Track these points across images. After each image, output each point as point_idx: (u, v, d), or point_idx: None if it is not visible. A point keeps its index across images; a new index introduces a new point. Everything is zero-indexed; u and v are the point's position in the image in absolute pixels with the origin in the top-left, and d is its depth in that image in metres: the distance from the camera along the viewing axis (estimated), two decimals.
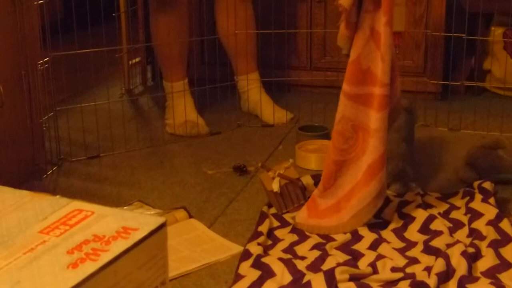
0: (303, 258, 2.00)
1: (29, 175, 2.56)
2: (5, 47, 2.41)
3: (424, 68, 3.37)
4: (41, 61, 2.58)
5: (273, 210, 2.29)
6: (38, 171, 2.61)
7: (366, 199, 2.12)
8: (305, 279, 1.86)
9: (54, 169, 2.70)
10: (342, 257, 1.98)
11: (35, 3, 2.53)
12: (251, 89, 3.22)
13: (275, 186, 2.27)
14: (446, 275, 1.85)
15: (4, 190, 1.05)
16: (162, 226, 0.95)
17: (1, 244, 0.91)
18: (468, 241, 2.02)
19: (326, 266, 1.93)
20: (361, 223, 2.14)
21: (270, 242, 2.11)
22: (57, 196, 1.03)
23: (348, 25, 2.11)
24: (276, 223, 2.22)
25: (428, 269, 1.88)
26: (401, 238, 2.11)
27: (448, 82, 3.21)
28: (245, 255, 2.00)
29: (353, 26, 2.10)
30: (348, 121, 2.14)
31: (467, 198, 2.27)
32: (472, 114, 3.02)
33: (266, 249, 2.05)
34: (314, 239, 2.11)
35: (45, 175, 2.64)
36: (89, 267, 0.85)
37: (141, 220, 0.95)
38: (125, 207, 2.34)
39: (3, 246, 0.90)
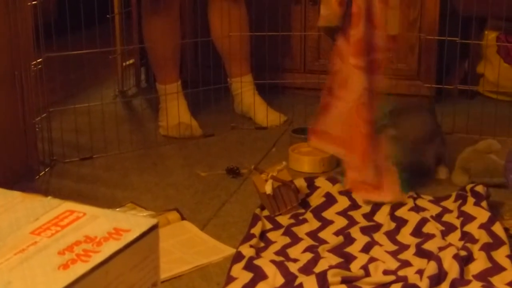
0: (295, 260, 2.00)
1: (22, 176, 2.55)
2: None
3: (417, 71, 3.38)
4: (35, 62, 2.57)
5: (265, 212, 2.29)
6: (30, 172, 2.60)
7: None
8: (297, 282, 1.86)
9: (46, 170, 2.70)
10: (335, 259, 1.98)
11: (29, 3, 2.53)
12: (245, 92, 3.22)
13: (268, 188, 2.27)
14: (438, 278, 1.85)
15: None
16: (154, 228, 0.95)
17: None
18: (460, 244, 2.03)
19: (318, 268, 1.93)
20: None
21: (262, 244, 2.11)
22: (49, 197, 1.03)
23: (341, 3, 2.18)
24: (268, 226, 2.22)
25: (420, 272, 1.89)
26: (394, 241, 2.11)
27: (441, 86, 3.22)
28: (238, 257, 2.00)
29: (345, 3, 2.19)
30: (367, 92, 2.27)
31: (459, 202, 2.27)
32: (465, 118, 3.02)
33: (259, 251, 2.05)
34: (307, 242, 2.11)
35: (38, 176, 2.64)
36: (80, 268, 0.85)
37: (133, 221, 0.95)
38: (117, 209, 2.33)
39: None
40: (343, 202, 2.31)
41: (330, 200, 2.33)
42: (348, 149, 2.35)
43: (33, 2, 2.56)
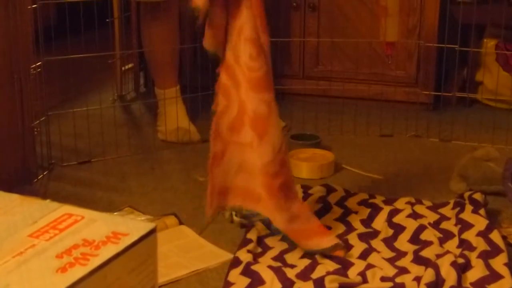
0: (293, 266, 1.99)
1: (20, 179, 2.55)
2: None
3: (416, 78, 3.38)
4: (34, 66, 2.57)
5: None
6: (28, 176, 2.60)
7: None
8: None
9: (45, 173, 2.69)
10: (332, 265, 1.98)
11: (29, 7, 2.53)
12: None
13: None
14: (435, 285, 1.85)
15: None
16: (152, 232, 0.95)
17: None
18: (458, 251, 2.03)
19: (315, 274, 1.93)
20: None
21: (260, 249, 2.11)
22: (47, 200, 1.03)
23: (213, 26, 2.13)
24: (265, 231, 2.21)
25: (417, 279, 1.88)
26: (391, 247, 2.11)
27: (440, 93, 3.22)
28: (235, 262, 2.00)
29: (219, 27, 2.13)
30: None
31: (457, 209, 2.27)
32: (464, 125, 3.02)
33: (256, 257, 2.05)
34: None
35: (36, 180, 2.63)
36: (78, 272, 0.85)
37: (131, 225, 0.95)
38: (115, 213, 2.33)
39: None
40: (337, 211, 2.32)
41: (326, 207, 2.33)
42: (257, 201, 2.10)
43: (33, 6, 2.57)
